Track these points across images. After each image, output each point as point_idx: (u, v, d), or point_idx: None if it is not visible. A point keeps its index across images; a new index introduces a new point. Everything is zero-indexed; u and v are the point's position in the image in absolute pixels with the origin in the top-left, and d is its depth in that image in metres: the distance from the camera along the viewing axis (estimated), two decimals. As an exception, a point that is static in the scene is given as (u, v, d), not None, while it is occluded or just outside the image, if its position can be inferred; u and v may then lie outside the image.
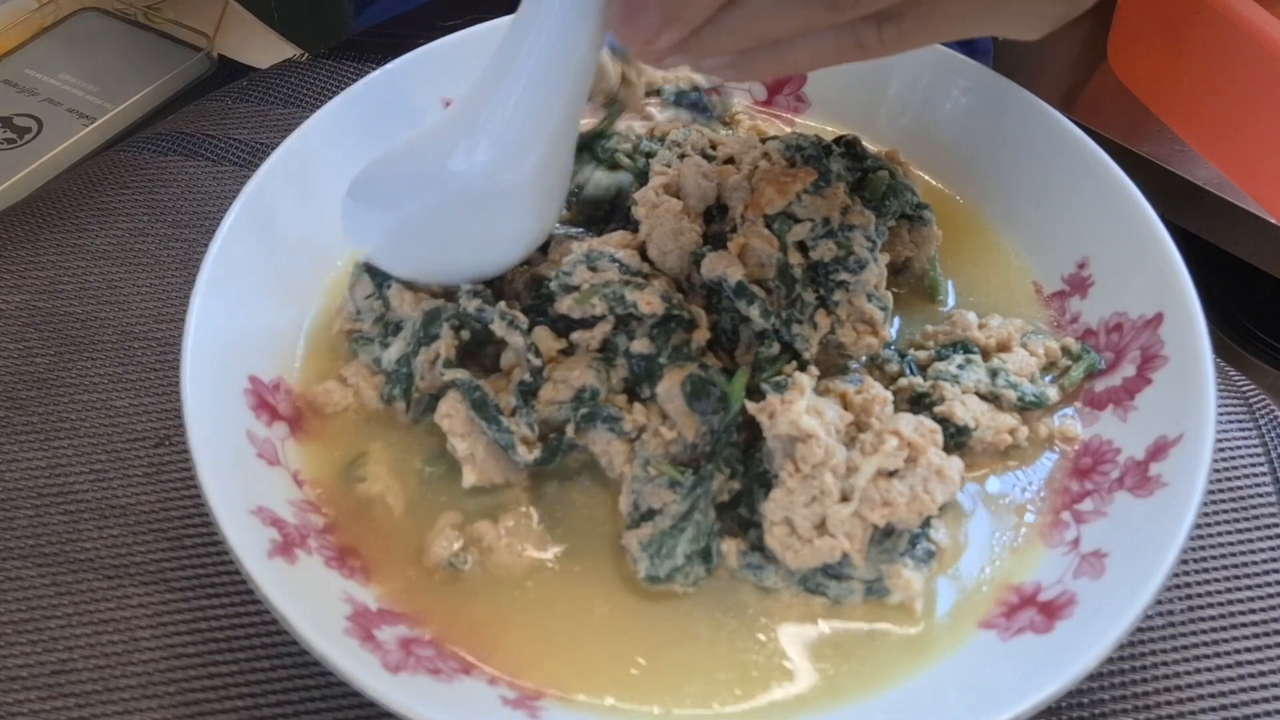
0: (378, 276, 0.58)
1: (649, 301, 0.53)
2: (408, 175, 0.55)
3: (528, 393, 0.54)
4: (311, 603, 0.47)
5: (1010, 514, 0.54)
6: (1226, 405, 0.64)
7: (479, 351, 0.57)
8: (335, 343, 0.60)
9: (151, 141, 0.79)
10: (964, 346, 0.58)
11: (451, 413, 0.54)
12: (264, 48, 0.89)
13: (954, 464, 0.50)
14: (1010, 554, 0.53)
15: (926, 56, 0.68)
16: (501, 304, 0.56)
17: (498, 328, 0.55)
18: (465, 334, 0.56)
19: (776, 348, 0.54)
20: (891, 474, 0.50)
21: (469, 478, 0.53)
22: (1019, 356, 0.58)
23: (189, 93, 0.87)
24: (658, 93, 0.67)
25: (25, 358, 0.66)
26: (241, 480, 0.51)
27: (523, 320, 0.55)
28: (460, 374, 0.54)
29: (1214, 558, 0.58)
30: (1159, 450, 0.53)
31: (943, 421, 0.53)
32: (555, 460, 0.54)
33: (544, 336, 0.55)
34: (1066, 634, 0.48)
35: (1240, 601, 0.56)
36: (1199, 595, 0.57)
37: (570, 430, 0.53)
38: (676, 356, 0.53)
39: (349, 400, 0.57)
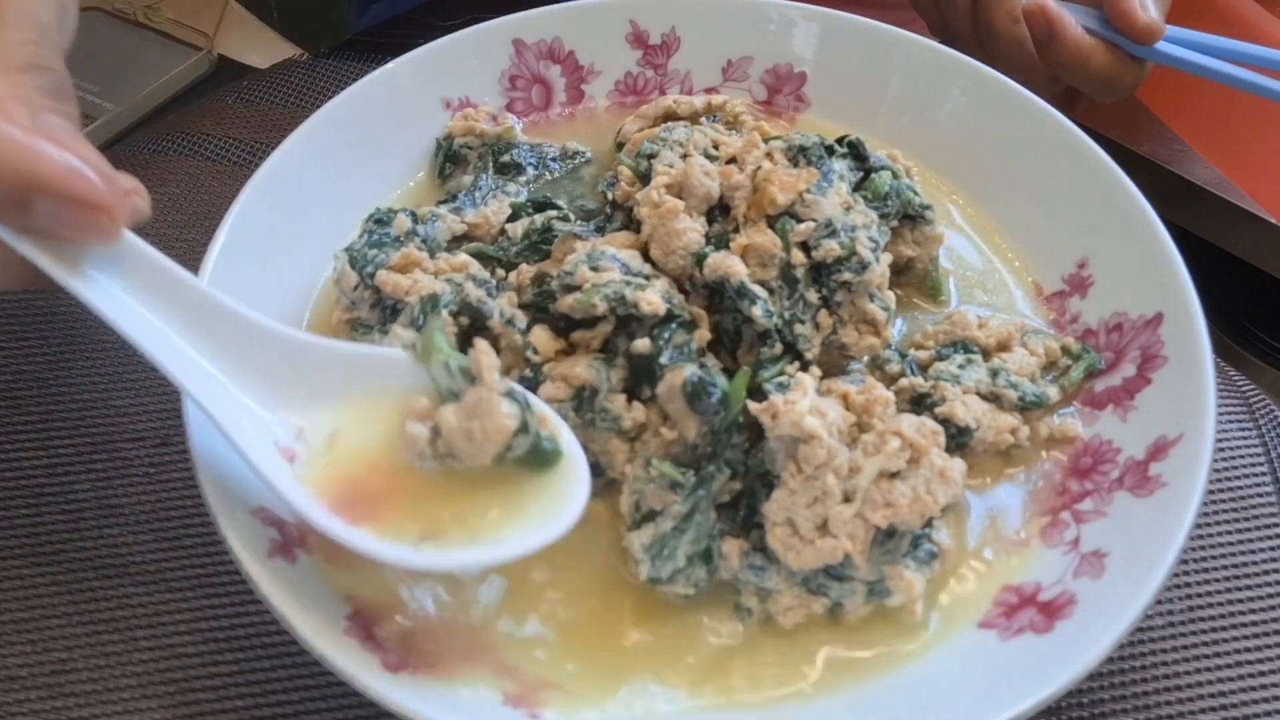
0: (360, 265, 0.57)
1: (650, 302, 0.53)
2: None
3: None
4: (311, 602, 0.47)
5: (1010, 514, 0.54)
6: (1226, 405, 0.64)
7: (475, 336, 0.57)
8: (336, 334, 0.59)
9: (151, 141, 0.78)
10: (964, 346, 0.58)
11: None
12: (264, 48, 0.89)
13: (956, 465, 0.50)
14: (1010, 554, 0.53)
15: (926, 57, 0.68)
16: (502, 300, 0.56)
17: (495, 325, 0.55)
18: (464, 320, 0.55)
19: (779, 348, 0.54)
20: (894, 475, 0.50)
21: None
22: (1019, 356, 0.58)
23: (189, 93, 0.87)
24: None
25: (25, 357, 0.66)
26: (241, 480, 0.51)
27: (521, 319, 0.55)
28: None
29: (1214, 558, 0.58)
30: (1159, 450, 0.53)
31: (944, 422, 0.53)
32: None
33: (543, 337, 0.55)
34: (1066, 634, 0.48)
35: (1240, 601, 0.56)
36: (1199, 595, 0.57)
37: (567, 429, 0.53)
38: (677, 357, 0.53)
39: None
